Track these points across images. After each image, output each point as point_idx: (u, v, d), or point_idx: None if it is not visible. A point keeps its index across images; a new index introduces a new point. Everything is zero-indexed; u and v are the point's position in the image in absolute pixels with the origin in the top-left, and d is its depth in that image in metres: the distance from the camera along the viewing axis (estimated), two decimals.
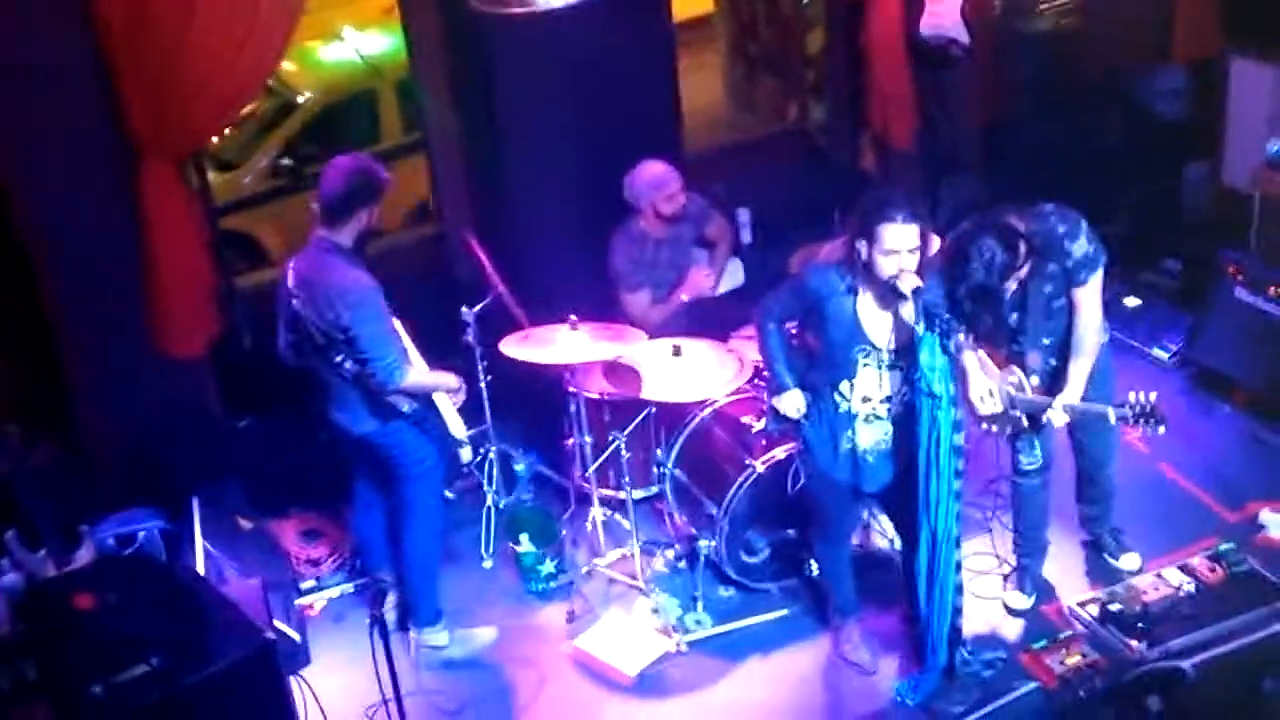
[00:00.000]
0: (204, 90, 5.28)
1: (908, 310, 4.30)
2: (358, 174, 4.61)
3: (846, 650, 5.09)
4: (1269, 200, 6.23)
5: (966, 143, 7.37)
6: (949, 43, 6.96)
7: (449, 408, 4.85)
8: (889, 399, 4.54)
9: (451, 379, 4.89)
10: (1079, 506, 5.41)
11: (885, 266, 4.28)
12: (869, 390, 4.53)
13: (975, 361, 4.78)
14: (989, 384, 4.80)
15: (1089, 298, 4.73)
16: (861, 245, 4.33)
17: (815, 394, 4.62)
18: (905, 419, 4.53)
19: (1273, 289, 5.99)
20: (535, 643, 5.33)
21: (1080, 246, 4.64)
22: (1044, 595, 5.26)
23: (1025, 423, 4.85)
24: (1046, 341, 4.81)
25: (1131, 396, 4.51)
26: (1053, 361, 4.83)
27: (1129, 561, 5.35)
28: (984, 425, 4.92)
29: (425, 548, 5.10)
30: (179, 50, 5.15)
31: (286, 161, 8.06)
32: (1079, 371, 4.74)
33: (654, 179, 5.83)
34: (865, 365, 4.50)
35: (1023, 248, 4.47)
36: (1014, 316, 4.77)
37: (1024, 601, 5.25)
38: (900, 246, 4.26)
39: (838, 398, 4.55)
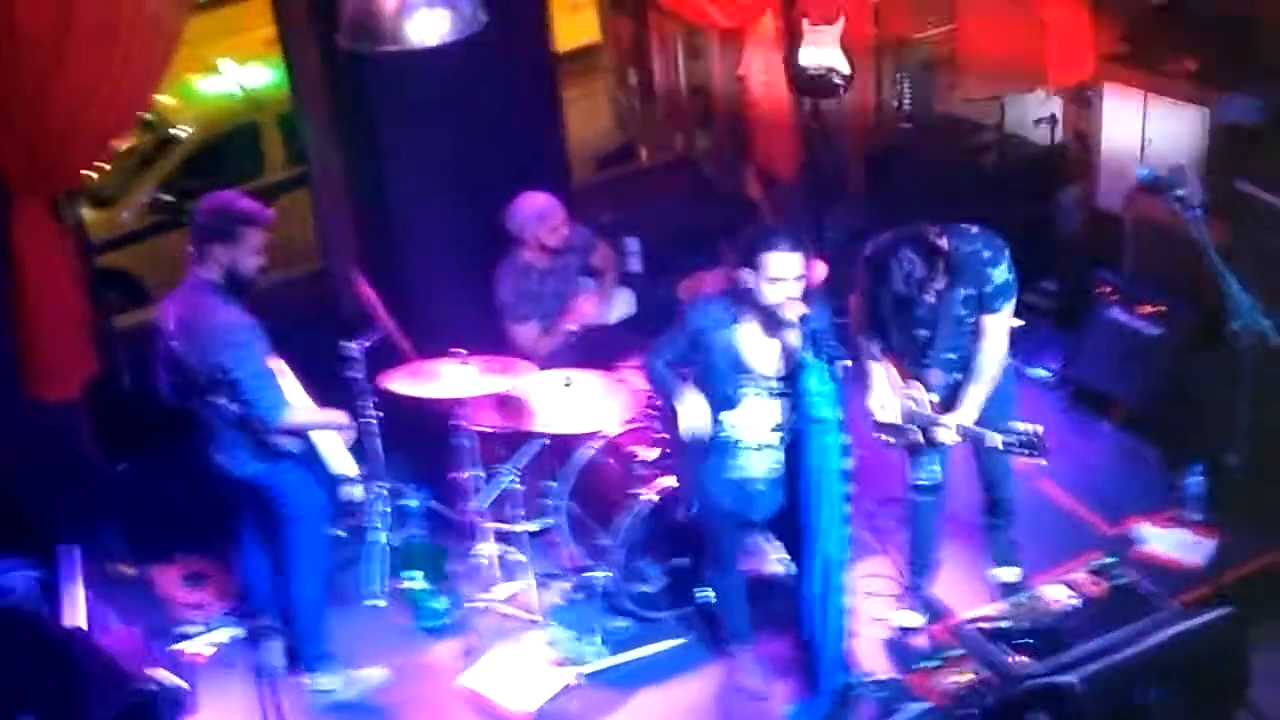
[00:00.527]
0: (76, 126, 5.18)
1: (793, 337, 4.35)
2: (209, 212, 4.54)
3: (740, 678, 5.10)
4: (1139, 223, 6.41)
5: (849, 170, 7.48)
6: (828, 71, 7.07)
7: (338, 446, 4.77)
8: (779, 427, 4.57)
9: (340, 416, 4.82)
10: (983, 519, 5.37)
11: (770, 295, 4.32)
12: (756, 419, 4.55)
13: (881, 372, 4.87)
14: (889, 395, 4.88)
15: (997, 326, 4.74)
16: (746, 274, 4.36)
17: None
18: (794, 446, 4.57)
19: (1144, 308, 6.16)
20: (428, 681, 5.25)
21: (1000, 274, 4.66)
22: (936, 614, 5.32)
23: (920, 438, 4.90)
24: (951, 357, 4.81)
25: (1019, 425, 4.58)
26: (957, 376, 4.84)
27: (1007, 574, 5.36)
28: (881, 435, 4.98)
29: (312, 590, 5.01)
30: (49, 85, 5.04)
31: (166, 197, 7.91)
32: (975, 395, 4.76)
33: (536, 211, 5.82)
34: (753, 395, 4.53)
35: (941, 264, 4.52)
36: (923, 332, 4.79)
37: (916, 620, 5.29)
38: (785, 275, 4.30)
39: (726, 428, 4.56)
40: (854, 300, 4.95)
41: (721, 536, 4.88)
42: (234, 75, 8.58)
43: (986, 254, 4.65)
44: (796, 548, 4.74)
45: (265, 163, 8.35)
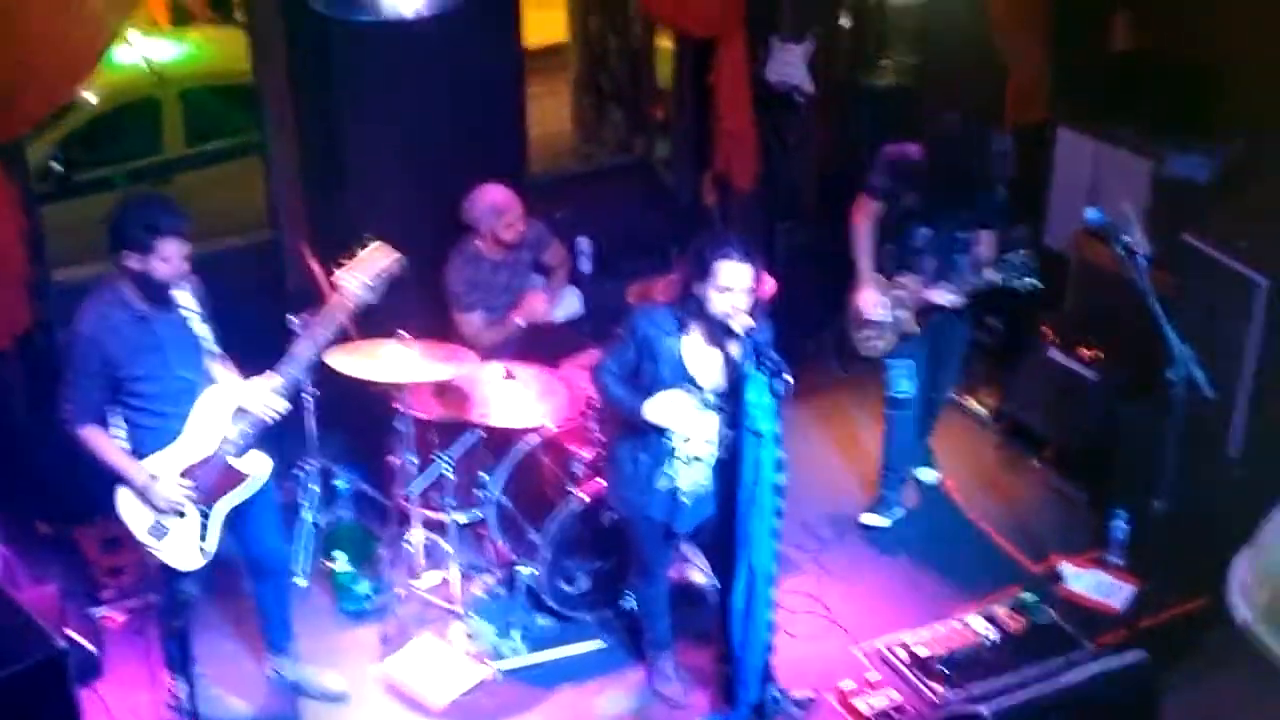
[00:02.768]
0: (26, 76, 5.08)
1: (736, 349, 4.36)
2: (125, 219, 4.27)
3: (659, 684, 5.10)
4: (1084, 264, 6.51)
5: (804, 188, 7.53)
6: (793, 89, 7.12)
7: (131, 503, 4.46)
8: (712, 440, 4.58)
9: (138, 476, 4.38)
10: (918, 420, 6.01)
11: (718, 304, 4.33)
12: (690, 432, 4.56)
13: (870, 273, 5.62)
14: (878, 295, 5.59)
15: (990, 239, 5.59)
16: (696, 282, 4.37)
17: (639, 433, 4.59)
18: (726, 461, 4.58)
19: (1082, 350, 6.25)
20: (345, 664, 5.20)
21: (1001, 196, 5.55)
22: (861, 633, 5.37)
23: (911, 325, 5.61)
24: (937, 264, 5.54)
25: (1010, 258, 5.37)
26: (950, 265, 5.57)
27: (927, 475, 6.25)
28: (864, 334, 5.70)
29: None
30: (6, 31, 4.94)
31: (55, 166, 7.65)
32: (967, 279, 5.49)
33: (495, 205, 5.80)
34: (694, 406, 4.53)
35: (959, 183, 5.38)
36: (921, 239, 5.53)
37: (883, 522, 5.99)
38: (734, 285, 4.31)
39: (662, 438, 4.56)
40: (861, 202, 5.64)
41: (646, 544, 4.87)
42: (141, 47, 8.34)
43: (991, 175, 5.47)
44: (723, 560, 4.75)
45: (163, 140, 8.18)
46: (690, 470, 4.61)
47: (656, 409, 4.43)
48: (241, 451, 4.48)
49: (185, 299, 4.36)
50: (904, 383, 5.75)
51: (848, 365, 5.95)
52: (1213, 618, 5.37)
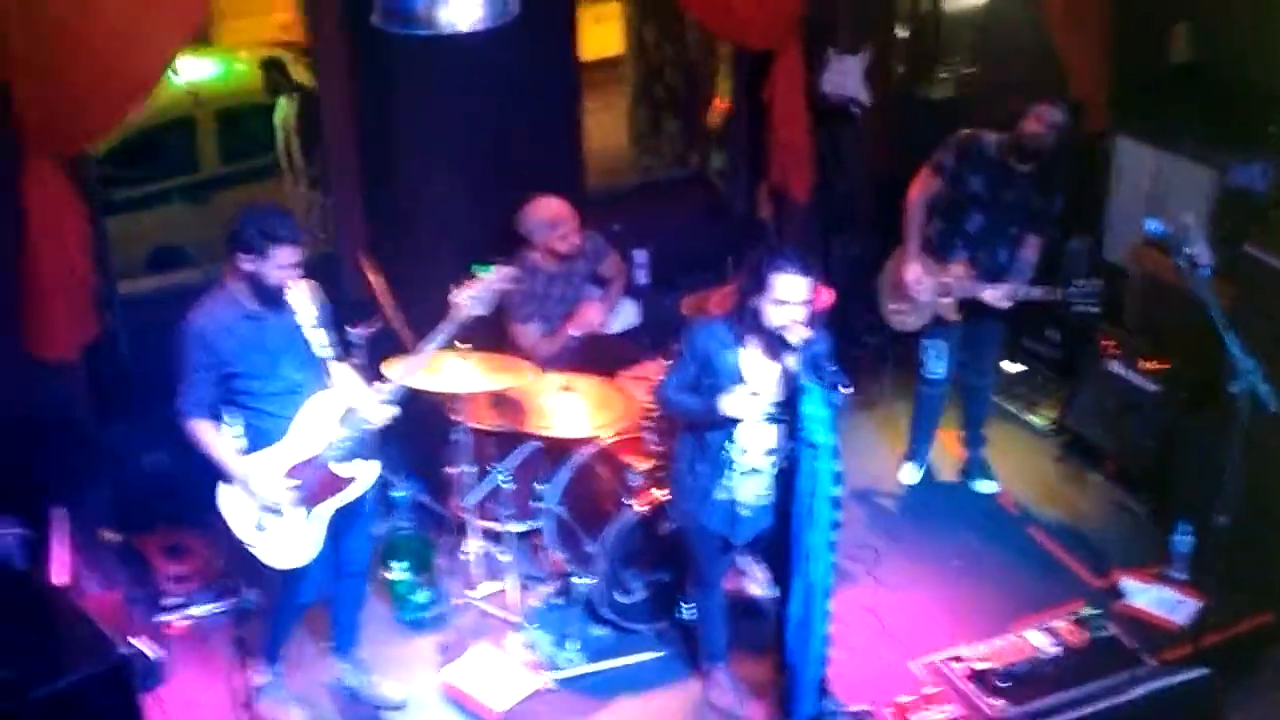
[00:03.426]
0: (95, 89, 5.17)
1: (793, 361, 4.36)
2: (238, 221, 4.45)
3: (714, 696, 5.09)
4: (1145, 276, 6.44)
5: (860, 200, 7.50)
6: (849, 101, 7.10)
7: (234, 500, 4.54)
8: (771, 452, 4.58)
9: (239, 470, 4.47)
10: (963, 433, 6.30)
11: (775, 317, 4.33)
12: (749, 443, 4.55)
13: (918, 250, 5.74)
14: (924, 274, 5.72)
15: (1037, 243, 5.75)
16: (753, 295, 4.37)
17: (699, 445, 4.61)
18: (787, 470, 4.58)
19: (1143, 362, 6.18)
20: (403, 673, 5.24)
21: (1058, 204, 5.68)
22: (918, 646, 5.33)
23: (950, 313, 5.77)
24: (984, 256, 5.69)
25: (1080, 280, 5.50)
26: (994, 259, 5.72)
27: (985, 487, 6.25)
28: (898, 312, 5.90)
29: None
30: (75, 45, 5.04)
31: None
32: (1016, 284, 5.63)
33: (550, 217, 5.83)
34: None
35: (1024, 177, 5.55)
36: (975, 227, 5.65)
37: (914, 475, 6.30)
38: (791, 298, 4.31)
39: (723, 450, 4.56)
40: (924, 178, 5.76)
41: (705, 556, 4.88)
42: (177, 67, 8.48)
43: (1058, 183, 5.61)
44: (781, 571, 4.75)
45: (200, 158, 8.28)
46: (749, 482, 4.61)
47: (731, 401, 4.42)
48: (347, 456, 4.58)
49: (299, 303, 4.50)
50: (936, 364, 5.95)
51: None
52: (1277, 634, 5.32)
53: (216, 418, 4.48)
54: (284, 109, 8.52)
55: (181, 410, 4.42)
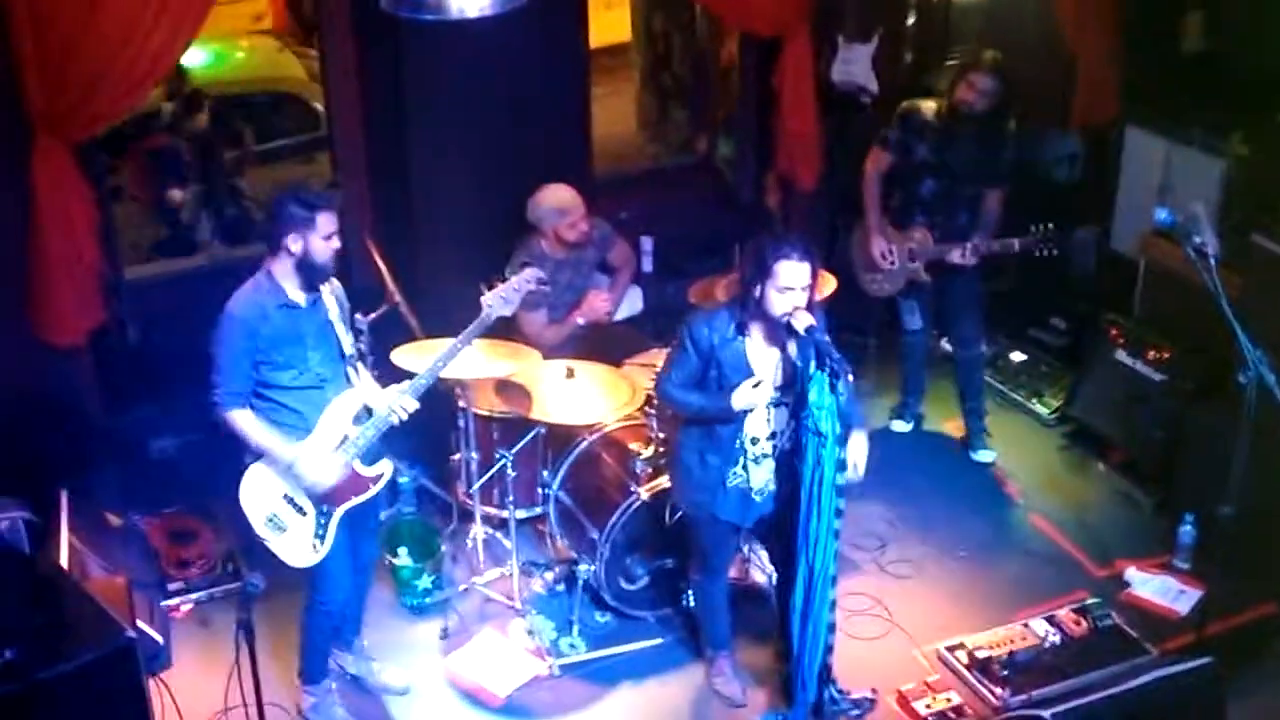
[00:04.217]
0: (103, 75, 5.18)
1: (793, 347, 4.36)
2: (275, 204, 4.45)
3: (717, 683, 5.10)
4: (1153, 266, 6.42)
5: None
6: (858, 90, 7.09)
7: (254, 494, 4.54)
8: (774, 435, 4.58)
9: (290, 455, 4.46)
10: (962, 405, 6.43)
11: (778, 304, 4.33)
12: (757, 429, 4.56)
13: (881, 223, 6.07)
14: (886, 244, 6.05)
15: (996, 197, 6.00)
16: (755, 283, 4.37)
17: (709, 436, 4.60)
18: (787, 455, 4.58)
19: (1151, 353, 6.17)
20: (406, 658, 5.25)
21: (1010, 152, 5.99)
22: (921, 634, 5.34)
23: (920, 275, 6.08)
24: (943, 219, 6.00)
25: (1034, 227, 5.77)
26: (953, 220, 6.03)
27: (984, 456, 6.39)
28: (874, 279, 6.16)
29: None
30: (83, 32, 5.05)
31: None
32: (981, 240, 5.94)
33: (559, 205, 5.82)
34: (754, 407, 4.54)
35: (973, 134, 5.85)
36: (930, 191, 5.97)
37: (904, 427, 6.60)
38: (795, 284, 4.30)
39: (736, 441, 4.56)
40: (874, 153, 6.07)
41: (712, 543, 4.88)
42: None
43: (1009, 128, 5.91)
44: (783, 558, 4.76)
45: None
46: (759, 469, 4.62)
47: (742, 396, 4.41)
48: (367, 455, 4.58)
49: (330, 300, 4.53)
50: (910, 318, 6.34)
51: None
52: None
53: (251, 407, 4.46)
54: None
55: (220, 401, 4.38)
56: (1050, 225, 5.82)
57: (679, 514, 5.02)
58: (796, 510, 4.49)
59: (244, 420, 4.42)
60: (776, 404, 4.53)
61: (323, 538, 4.56)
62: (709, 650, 5.16)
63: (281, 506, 4.54)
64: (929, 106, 5.97)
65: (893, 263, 6.10)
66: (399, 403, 4.55)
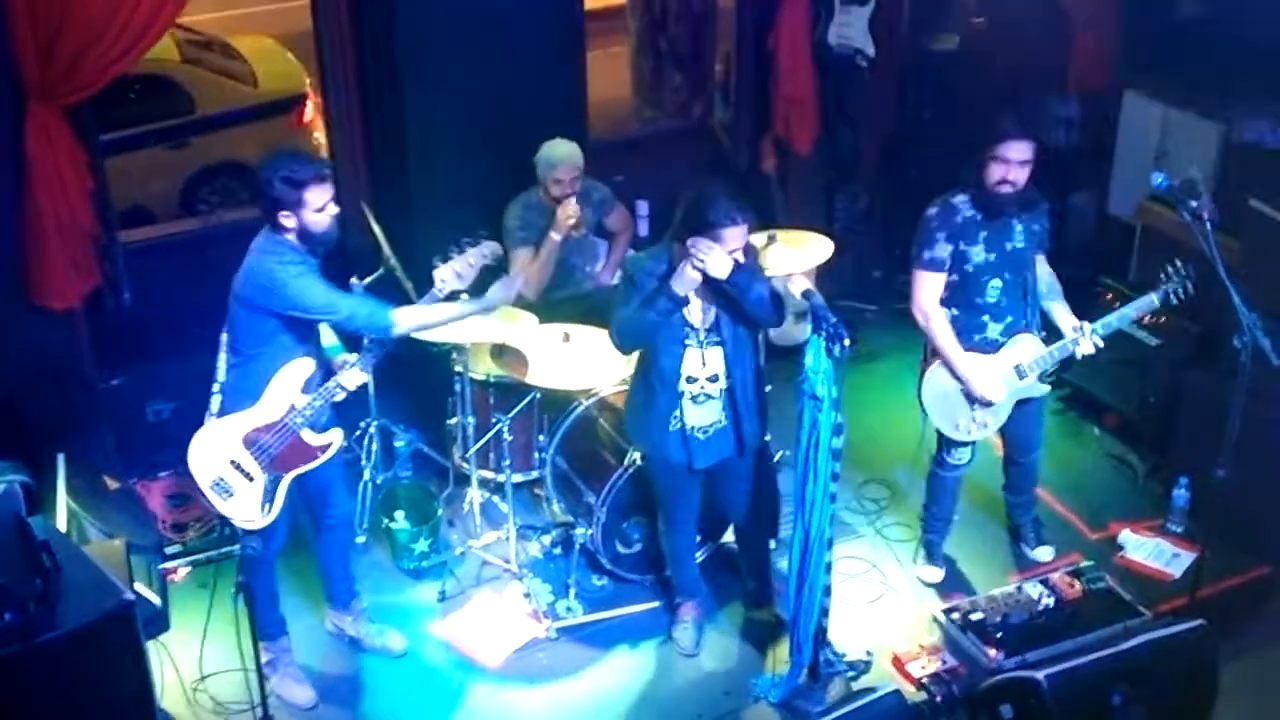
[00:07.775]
0: (95, 38, 5.15)
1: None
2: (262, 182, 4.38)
3: (675, 630, 5.18)
4: (1150, 231, 6.42)
5: (864, 153, 7.46)
6: (855, 53, 7.05)
7: (200, 458, 4.58)
8: (715, 377, 4.65)
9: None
10: (1005, 495, 5.64)
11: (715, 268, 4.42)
12: (693, 370, 4.65)
13: (970, 362, 5.01)
14: (998, 379, 5.04)
15: (1044, 261, 5.16)
16: (689, 233, 4.45)
17: (658, 375, 4.67)
18: (730, 391, 4.69)
19: (1146, 318, 6.16)
20: (403, 621, 5.28)
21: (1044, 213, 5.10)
22: (916, 597, 5.36)
23: (1032, 393, 5.15)
24: (1012, 318, 5.05)
25: (1169, 268, 4.90)
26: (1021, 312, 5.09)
27: (1043, 553, 5.60)
28: (982, 423, 5.12)
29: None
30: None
31: None
32: (1064, 310, 5.10)
33: (552, 158, 5.79)
34: (692, 346, 4.62)
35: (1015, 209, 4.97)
36: (993, 286, 4.97)
37: (936, 575, 5.49)
38: (733, 246, 4.42)
39: (672, 379, 4.65)
40: (922, 281, 4.98)
41: (671, 489, 4.95)
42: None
43: (1040, 197, 5.07)
44: (736, 504, 4.98)
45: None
46: (700, 409, 4.70)
47: (683, 280, 4.46)
48: (315, 424, 4.55)
49: None
50: (965, 451, 5.26)
51: None
52: (1272, 587, 5.35)
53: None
54: None
55: (378, 324, 4.41)
56: (1181, 261, 4.93)
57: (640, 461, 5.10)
58: (793, 475, 4.51)
59: (406, 313, 4.45)
60: (709, 344, 4.62)
61: (270, 503, 4.54)
62: (676, 598, 5.24)
63: (229, 471, 4.52)
64: (961, 201, 4.97)
65: (1003, 394, 5.07)
66: (341, 377, 4.52)
